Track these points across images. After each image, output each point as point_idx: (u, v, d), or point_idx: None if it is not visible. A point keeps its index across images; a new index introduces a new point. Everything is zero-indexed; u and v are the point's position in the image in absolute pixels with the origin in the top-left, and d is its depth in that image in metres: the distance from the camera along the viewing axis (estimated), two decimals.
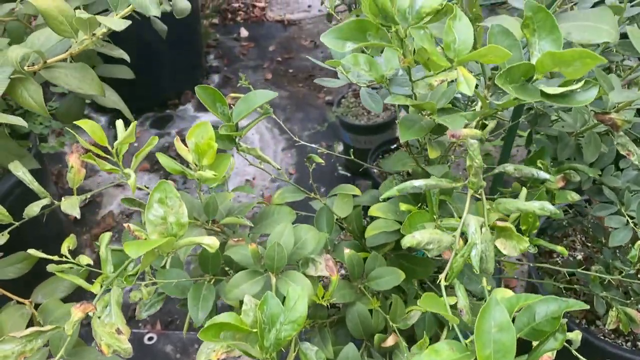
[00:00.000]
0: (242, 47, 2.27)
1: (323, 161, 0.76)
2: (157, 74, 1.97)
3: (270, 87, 2.08)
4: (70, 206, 0.63)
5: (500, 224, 0.45)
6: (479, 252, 0.44)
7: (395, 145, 1.46)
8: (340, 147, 1.80)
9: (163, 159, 0.67)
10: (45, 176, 1.25)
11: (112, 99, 0.78)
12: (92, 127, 0.62)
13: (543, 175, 0.52)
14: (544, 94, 0.49)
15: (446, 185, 0.48)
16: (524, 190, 0.65)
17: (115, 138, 0.66)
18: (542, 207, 0.49)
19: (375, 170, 1.54)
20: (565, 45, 0.49)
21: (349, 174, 1.72)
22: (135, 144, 1.88)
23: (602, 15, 0.57)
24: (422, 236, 0.42)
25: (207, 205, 0.66)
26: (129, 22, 0.58)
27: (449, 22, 0.45)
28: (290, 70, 2.15)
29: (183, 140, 1.92)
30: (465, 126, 0.49)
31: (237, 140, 0.68)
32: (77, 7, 0.71)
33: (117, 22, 0.56)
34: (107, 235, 0.67)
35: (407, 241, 0.42)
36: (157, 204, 0.52)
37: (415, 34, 0.43)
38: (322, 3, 1.86)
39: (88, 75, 0.66)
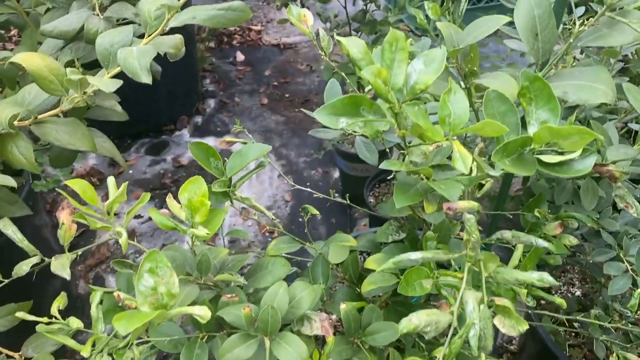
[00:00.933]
0: (238, 71, 2.27)
1: (318, 212, 0.75)
2: (153, 99, 1.97)
3: (266, 112, 2.08)
4: (61, 267, 0.62)
5: (499, 301, 0.44)
6: (478, 332, 0.43)
7: (392, 176, 1.45)
8: (336, 174, 1.80)
9: (155, 216, 0.66)
10: (38, 212, 1.23)
11: (105, 146, 0.77)
12: (82, 187, 0.61)
13: (542, 243, 0.51)
14: (541, 163, 0.48)
15: (443, 257, 0.47)
16: (519, 250, 0.64)
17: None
18: (541, 278, 0.48)
19: (371, 200, 1.53)
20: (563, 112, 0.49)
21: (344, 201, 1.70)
22: (131, 171, 1.87)
23: (598, 75, 0.56)
24: (420, 319, 0.41)
25: (199, 263, 0.64)
26: (120, 83, 0.57)
27: (444, 96, 0.44)
28: (287, 95, 2.15)
29: (180, 166, 1.92)
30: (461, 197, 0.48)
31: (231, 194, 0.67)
32: (69, 62, 0.71)
33: (108, 83, 0.55)
34: (97, 295, 0.66)
35: (405, 326, 0.41)
36: (148, 274, 0.51)
37: (410, 110, 0.43)
38: (317, 35, 1.86)
39: (79, 130, 0.65)
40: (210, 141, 1.94)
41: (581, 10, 0.80)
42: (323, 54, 0.81)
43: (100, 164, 1.90)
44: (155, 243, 1.62)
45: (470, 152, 0.48)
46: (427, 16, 1.06)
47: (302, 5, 1.73)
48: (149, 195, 0.67)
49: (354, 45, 0.42)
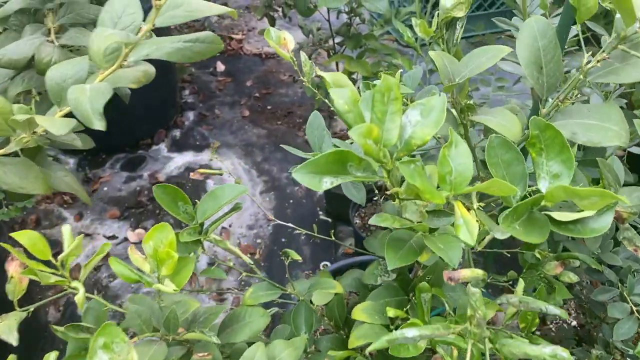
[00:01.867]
0: (218, 82, 2.20)
1: (300, 258, 0.69)
2: (129, 112, 1.88)
3: (248, 124, 2.01)
4: (7, 330, 0.55)
5: None
6: None
7: (376, 198, 1.39)
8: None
9: (116, 266, 0.59)
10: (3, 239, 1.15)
11: (66, 181, 0.70)
12: (31, 240, 0.53)
13: (553, 310, 0.45)
14: (553, 222, 0.42)
15: (442, 333, 0.41)
16: (521, 285, 0.58)
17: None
18: (554, 354, 0.42)
19: (357, 221, 1.47)
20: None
21: (330, 220, 1.64)
22: (105, 188, 1.78)
23: (609, 113, 0.51)
24: None
25: (167, 320, 0.57)
26: (72, 123, 0.50)
27: (444, 150, 0.38)
28: (269, 107, 2.08)
29: (157, 183, 1.82)
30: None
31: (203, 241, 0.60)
32: (19, 95, 0.63)
33: (59, 124, 0.48)
34: (52, 355, 0.59)
35: None
36: (102, 351, 0.44)
37: (404, 169, 0.36)
38: (299, 49, 1.80)
39: (31, 172, 0.58)
40: (189, 156, 1.87)
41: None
42: (304, 80, 0.75)
43: None
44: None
45: (473, 209, 0.42)
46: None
47: (284, 16, 1.67)
48: (109, 245, 0.59)
49: (340, 97, 0.36)
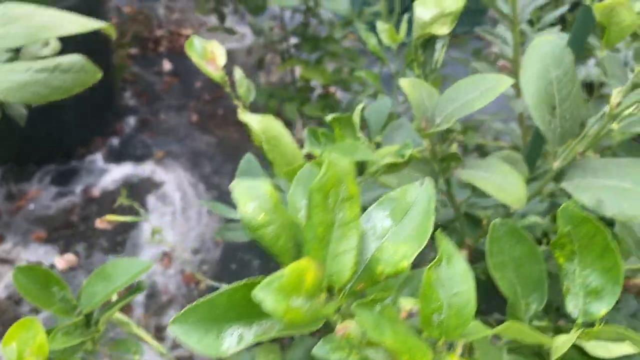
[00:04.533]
0: (164, 83, 2.00)
1: None
2: (59, 118, 1.67)
3: (196, 131, 1.82)
4: None
5: None
6: None
7: None
8: None
9: None
10: None
11: None
12: None
13: None
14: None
15: None
16: None
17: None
18: None
19: None
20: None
21: None
22: (32, 206, 1.57)
23: None
24: None
25: None
26: None
27: (429, 274, 0.23)
28: (220, 112, 1.90)
29: (91, 199, 1.56)
30: None
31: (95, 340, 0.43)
32: None
33: None
34: None
35: None
36: None
37: (363, 317, 0.21)
38: (248, 52, 1.62)
39: None
40: (128, 168, 1.67)
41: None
42: (240, 105, 0.59)
43: None
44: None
45: None
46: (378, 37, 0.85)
47: (235, 12, 1.49)
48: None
49: (249, 197, 0.20)
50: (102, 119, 1.78)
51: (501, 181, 0.39)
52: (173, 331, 0.21)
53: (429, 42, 0.44)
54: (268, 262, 1.42)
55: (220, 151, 1.75)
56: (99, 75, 0.35)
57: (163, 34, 2.20)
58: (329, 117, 0.40)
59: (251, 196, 0.20)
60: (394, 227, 0.22)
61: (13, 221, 1.56)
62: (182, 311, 0.21)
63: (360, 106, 0.43)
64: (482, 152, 0.98)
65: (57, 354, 0.42)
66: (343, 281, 0.20)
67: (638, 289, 0.48)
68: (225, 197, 1.61)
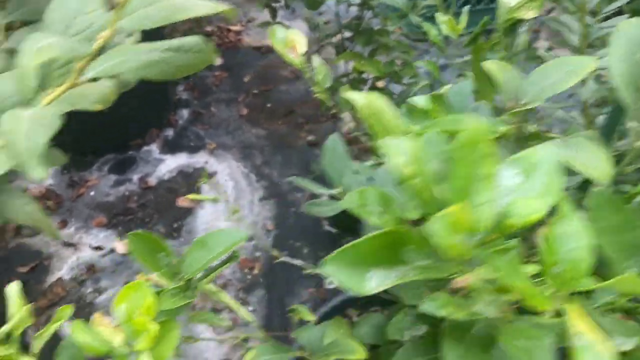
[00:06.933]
0: (214, 77, 2.06)
1: (313, 318, 0.56)
2: (118, 110, 1.73)
3: (246, 124, 1.87)
4: None
5: None
6: None
7: None
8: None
9: (79, 335, 0.46)
10: None
11: (27, 211, 0.58)
12: None
13: None
14: None
15: None
16: None
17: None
18: None
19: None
20: None
21: (335, 231, 1.51)
22: (92, 193, 1.65)
23: None
24: None
25: None
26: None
27: (550, 230, 0.25)
28: (269, 105, 1.95)
29: (147, 188, 1.63)
30: None
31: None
32: None
33: None
34: None
35: None
36: None
37: (495, 262, 0.23)
38: (308, 60, 1.66)
39: None
40: (182, 158, 1.73)
41: None
42: (318, 91, 0.62)
43: (57, 185, 1.68)
44: (117, 280, 1.41)
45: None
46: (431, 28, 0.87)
47: (287, 7, 1.53)
48: (68, 308, 0.46)
49: (397, 152, 0.23)
50: (158, 112, 1.84)
51: (588, 159, 0.40)
52: (325, 271, 0.24)
53: (512, 27, 0.46)
54: (317, 247, 1.46)
55: (269, 143, 1.79)
56: (215, 55, 0.39)
57: (213, 29, 2.27)
58: (419, 98, 0.43)
59: (400, 151, 0.22)
60: (524, 184, 0.24)
61: (75, 207, 1.64)
62: (333, 253, 0.24)
63: (447, 86, 0.45)
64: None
65: (163, 314, 0.46)
66: (482, 229, 0.23)
67: None
68: (275, 187, 1.65)
